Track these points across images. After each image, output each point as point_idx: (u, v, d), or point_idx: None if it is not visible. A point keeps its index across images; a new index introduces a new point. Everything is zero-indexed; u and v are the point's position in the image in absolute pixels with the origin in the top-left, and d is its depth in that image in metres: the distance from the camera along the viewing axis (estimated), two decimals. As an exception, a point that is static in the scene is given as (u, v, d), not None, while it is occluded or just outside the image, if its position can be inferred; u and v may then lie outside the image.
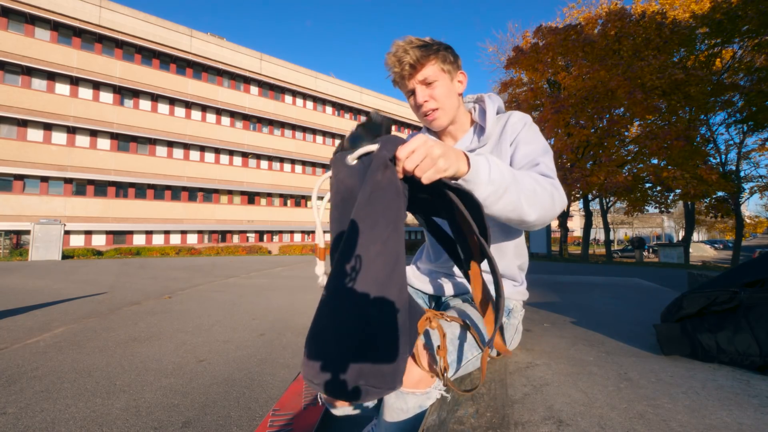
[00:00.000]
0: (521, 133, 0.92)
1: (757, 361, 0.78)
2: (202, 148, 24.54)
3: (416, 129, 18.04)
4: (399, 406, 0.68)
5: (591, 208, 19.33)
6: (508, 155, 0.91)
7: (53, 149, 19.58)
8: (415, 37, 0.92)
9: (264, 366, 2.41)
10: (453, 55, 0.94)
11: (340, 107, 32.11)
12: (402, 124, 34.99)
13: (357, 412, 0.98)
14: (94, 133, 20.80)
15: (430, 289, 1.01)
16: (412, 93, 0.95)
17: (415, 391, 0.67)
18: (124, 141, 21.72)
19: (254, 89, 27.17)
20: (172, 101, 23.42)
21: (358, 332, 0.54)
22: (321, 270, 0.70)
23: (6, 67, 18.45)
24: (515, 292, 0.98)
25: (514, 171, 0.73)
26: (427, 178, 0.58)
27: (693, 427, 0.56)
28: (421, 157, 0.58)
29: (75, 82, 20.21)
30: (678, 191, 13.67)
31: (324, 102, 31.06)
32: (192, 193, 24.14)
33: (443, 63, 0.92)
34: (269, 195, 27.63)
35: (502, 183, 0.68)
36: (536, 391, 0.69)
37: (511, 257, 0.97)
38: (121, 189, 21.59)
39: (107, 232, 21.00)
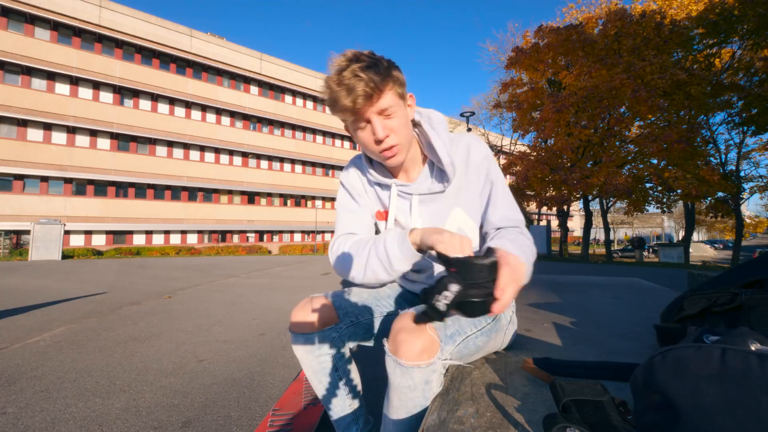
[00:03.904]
0: (492, 173, 0.90)
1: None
2: (202, 148, 24.55)
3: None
4: (406, 383, 0.68)
5: (591, 208, 19.33)
6: (478, 191, 0.90)
7: (53, 149, 19.58)
8: (356, 52, 0.75)
9: (264, 366, 2.41)
10: (401, 73, 0.80)
11: (340, 107, 32.08)
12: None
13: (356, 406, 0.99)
14: (94, 133, 20.80)
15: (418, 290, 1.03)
16: (365, 125, 0.79)
17: (420, 364, 0.66)
18: (124, 141, 21.73)
19: (254, 89, 27.18)
20: (172, 101, 23.43)
21: None
22: None
23: (6, 67, 18.45)
24: None
25: (525, 252, 0.77)
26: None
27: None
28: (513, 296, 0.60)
29: (75, 81, 20.21)
30: (679, 191, 13.68)
31: (324, 102, 31.05)
32: (192, 193, 24.15)
33: (399, 87, 0.78)
34: (269, 195, 27.64)
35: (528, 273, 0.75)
36: (536, 391, 0.69)
37: None
38: (121, 189, 21.60)
39: (107, 232, 21.00)
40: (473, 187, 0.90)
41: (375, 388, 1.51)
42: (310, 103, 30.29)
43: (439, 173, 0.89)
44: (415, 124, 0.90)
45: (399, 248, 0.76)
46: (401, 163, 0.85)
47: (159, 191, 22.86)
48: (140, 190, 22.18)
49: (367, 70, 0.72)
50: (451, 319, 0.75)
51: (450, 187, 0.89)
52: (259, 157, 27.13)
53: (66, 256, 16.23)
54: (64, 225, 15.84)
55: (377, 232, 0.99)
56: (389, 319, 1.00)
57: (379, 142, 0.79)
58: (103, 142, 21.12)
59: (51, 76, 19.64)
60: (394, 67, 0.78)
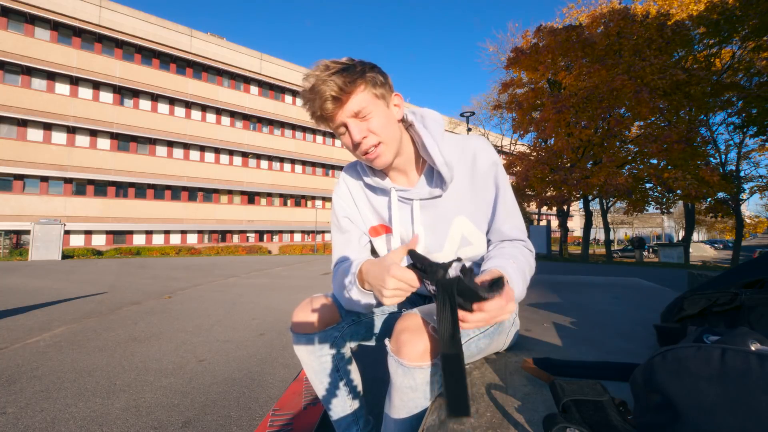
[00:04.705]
0: (500, 180, 0.87)
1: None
2: (202, 148, 24.54)
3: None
4: (408, 384, 0.68)
5: (591, 208, 19.32)
6: (484, 199, 0.87)
7: (53, 149, 19.58)
8: (331, 61, 0.75)
9: (264, 366, 2.41)
10: (382, 75, 0.79)
11: (340, 107, 32.08)
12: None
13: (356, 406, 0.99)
14: (94, 133, 20.80)
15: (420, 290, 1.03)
16: (344, 129, 0.78)
17: (422, 365, 0.66)
18: (124, 141, 21.73)
19: (254, 89, 27.17)
20: (172, 101, 23.42)
21: None
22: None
23: (6, 67, 18.45)
24: None
25: (524, 272, 0.77)
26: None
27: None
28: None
29: (75, 82, 20.21)
30: (679, 192, 13.67)
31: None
32: (192, 193, 24.14)
33: (374, 87, 0.77)
34: (269, 195, 27.63)
35: (519, 299, 0.74)
36: (536, 391, 0.69)
37: None
38: (121, 189, 21.60)
39: (107, 232, 21.00)
40: (480, 195, 0.86)
41: (375, 389, 1.51)
42: (310, 103, 30.27)
43: (439, 176, 0.85)
44: (410, 125, 0.86)
45: (359, 294, 0.77)
46: (389, 163, 0.83)
47: (159, 191, 22.86)
48: (140, 190, 22.18)
49: (335, 75, 0.72)
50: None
51: (452, 192, 0.86)
52: (259, 157, 27.13)
53: (66, 256, 16.23)
54: (64, 225, 15.85)
55: (373, 248, 0.97)
56: (391, 318, 0.99)
57: (357, 145, 0.78)
58: (103, 142, 21.11)
59: (51, 76, 19.63)
60: (371, 68, 0.77)
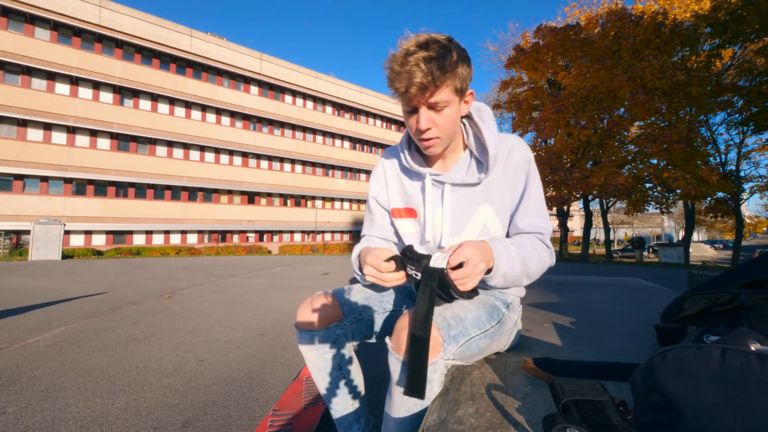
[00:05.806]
0: (531, 177, 0.90)
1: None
2: (202, 148, 24.53)
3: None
4: None
5: (591, 208, 19.31)
6: (511, 192, 0.90)
7: (53, 149, 19.57)
8: (431, 37, 0.73)
9: (264, 366, 2.41)
10: (469, 69, 0.78)
11: (340, 107, 32.09)
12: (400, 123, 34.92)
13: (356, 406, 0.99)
14: (94, 133, 20.79)
15: None
16: (414, 112, 0.80)
17: None
18: (124, 141, 21.72)
19: (254, 89, 27.16)
20: (172, 101, 23.41)
21: None
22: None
23: (6, 67, 18.44)
24: (513, 287, 0.98)
25: (524, 256, 0.79)
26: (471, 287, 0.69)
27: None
28: (475, 279, 0.68)
29: (75, 81, 20.20)
30: (678, 192, 13.67)
31: (324, 102, 31.04)
32: (192, 193, 24.13)
33: (458, 82, 0.77)
34: (269, 195, 27.62)
35: (511, 277, 0.77)
36: (536, 391, 0.69)
37: None
38: (121, 189, 21.59)
39: (107, 232, 21.00)
40: (508, 188, 0.90)
41: (375, 388, 1.51)
42: (310, 103, 30.27)
43: (478, 165, 0.90)
44: (467, 116, 0.91)
45: (358, 276, 0.91)
46: (438, 154, 0.88)
47: (159, 191, 22.85)
48: (140, 190, 22.17)
49: (431, 62, 0.71)
50: (455, 320, 0.75)
51: (484, 181, 0.89)
52: (259, 157, 27.12)
53: (66, 256, 16.23)
54: (64, 225, 15.85)
55: (396, 231, 1.03)
56: (392, 316, 1.00)
57: (420, 132, 0.81)
58: (103, 142, 21.10)
59: (51, 76, 19.63)
60: (462, 61, 0.76)
